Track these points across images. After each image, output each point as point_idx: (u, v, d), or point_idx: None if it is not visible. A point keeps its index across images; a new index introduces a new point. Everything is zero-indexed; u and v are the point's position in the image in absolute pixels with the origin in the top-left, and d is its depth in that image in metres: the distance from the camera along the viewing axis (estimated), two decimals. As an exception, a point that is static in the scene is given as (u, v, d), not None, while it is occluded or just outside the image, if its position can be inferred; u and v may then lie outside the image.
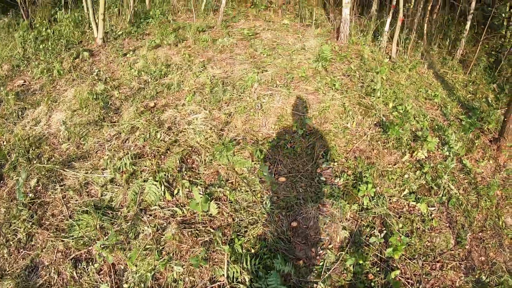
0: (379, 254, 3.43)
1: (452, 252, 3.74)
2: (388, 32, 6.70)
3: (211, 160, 4.12)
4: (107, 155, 4.26)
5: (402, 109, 4.92)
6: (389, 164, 4.21)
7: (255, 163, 4.02)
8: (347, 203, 3.69)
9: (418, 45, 7.00)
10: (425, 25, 7.10)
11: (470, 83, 6.42)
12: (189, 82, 5.40)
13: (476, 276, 3.59)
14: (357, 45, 6.66)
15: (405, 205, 3.91)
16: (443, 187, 4.10)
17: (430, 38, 7.40)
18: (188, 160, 4.19)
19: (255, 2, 8.31)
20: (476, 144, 4.72)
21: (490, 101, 6.03)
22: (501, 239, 3.99)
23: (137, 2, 8.43)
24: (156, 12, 7.83)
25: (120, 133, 4.58)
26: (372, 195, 3.68)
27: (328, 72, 5.63)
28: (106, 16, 7.32)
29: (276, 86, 5.17)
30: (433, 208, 3.95)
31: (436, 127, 4.89)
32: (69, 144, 4.45)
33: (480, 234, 3.98)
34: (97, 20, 6.54)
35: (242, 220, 3.60)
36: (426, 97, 5.59)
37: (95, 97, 5.14)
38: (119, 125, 4.67)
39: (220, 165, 4.07)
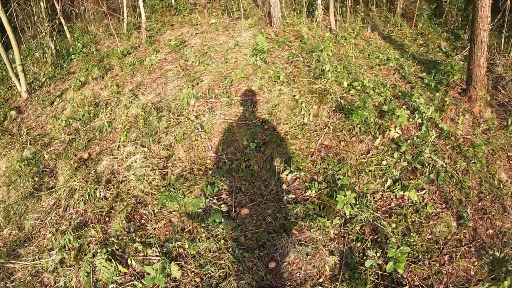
0: (379, 272, 2.72)
1: (457, 236, 3.11)
2: (322, 4, 5.96)
3: (160, 209, 3.29)
4: (50, 231, 3.46)
5: (358, 85, 4.21)
6: (362, 155, 3.50)
7: (209, 200, 3.20)
8: (327, 220, 2.95)
9: (356, 10, 6.30)
10: (358, -14, 6.39)
11: (419, 36, 5.80)
12: (121, 117, 4.52)
13: (490, 257, 2.96)
14: (293, 26, 5.89)
15: (392, 199, 3.22)
16: (427, 163, 3.42)
17: (366, 0, 6.71)
18: (136, 216, 3.36)
19: (179, 8, 7.36)
20: (447, 102, 4.07)
21: (446, 50, 5.43)
22: (502, 201, 3.39)
23: (58, 41, 7.32)
24: (77, 46, 6.78)
25: (59, 200, 3.75)
26: (354, 202, 2.95)
27: (268, 64, 4.84)
28: (29, 65, 6.34)
29: (215, 97, 4.34)
30: (423, 191, 3.28)
31: (400, 94, 4.21)
32: (10, 228, 3.67)
33: (480, 203, 3.36)
34: (16, 73, 5.51)
35: (211, 276, 2.81)
36: (379, 63, 4.90)
37: (26, 163, 4.28)
38: (56, 191, 3.84)
39: (171, 212, 3.24)
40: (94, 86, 5.48)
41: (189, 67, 5.19)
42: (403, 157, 3.48)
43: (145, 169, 3.67)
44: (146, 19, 7.24)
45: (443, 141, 3.74)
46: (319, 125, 3.80)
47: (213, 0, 7.35)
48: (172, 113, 4.25)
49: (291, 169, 3.32)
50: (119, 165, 3.87)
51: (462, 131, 3.88)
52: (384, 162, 3.44)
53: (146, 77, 5.25)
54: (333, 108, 3.97)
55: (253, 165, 3.44)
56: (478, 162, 3.57)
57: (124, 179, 3.71)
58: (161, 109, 4.40)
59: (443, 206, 3.25)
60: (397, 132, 3.57)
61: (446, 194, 3.31)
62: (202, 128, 3.84)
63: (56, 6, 6.95)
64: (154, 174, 3.59)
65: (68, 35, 7.44)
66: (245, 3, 6.76)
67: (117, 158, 3.96)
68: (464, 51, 5.18)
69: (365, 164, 3.41)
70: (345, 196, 2.90)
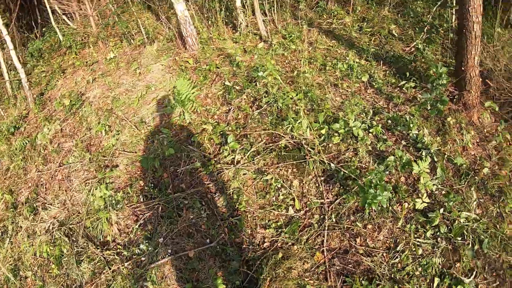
0: None
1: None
2: (241, 5, 4.35)
3: None
4: None
5: (341, 127, 2.84)
6: (390, 251, 2.22)
7: None
8: None
9: (280, 3, 4.78)
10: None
11: (364, 23, 4.54)
12: (26, 257, 2.84)
13: None
14: (212, 41, 4.26)
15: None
16: (465, 230, 2.29)
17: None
18: None
19: (68, 44, 5.06)
20: (450, 122, 2.95)
21: (397, 35, 4.26)
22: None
23: None
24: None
25: None
26: None
27: (200, 114, 3.23)
28: None
29: (143, 198, 2.67)
30: (473, 274, 2.17)
31: (390, 123, 2.97)
32: None
33: None
34: None
35: None
36: (342, 76, 3.56)
37: None
38: None
39: None
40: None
41: (94, 140, 3.39)
42: (438, 234, 2.30)
43: None
44: (34, 67, 5.00)
45: (464, 181, 2.63)
46: (313, 214, 2.41)
47: (106, 26, 5.18)
48: (92, 242, 2.53)
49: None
50: None
51: (477, 160, 2.80)
52: (419, 251, 2.22)
53: (43, 171, 3.36)
54: (322, 177, 2.59)
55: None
56: (509, 201, 2.53)
57: None
58: (75, 236, 2.65)
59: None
60: (425, 202, 2.34)
61: (494, 262, 2.23)
62: (146, 281, 2.20)
63: None
64: None
65: None
66: (144, 20, 4.82)
67: None
68: (422, 35, 4.05)
69: (399, 265, 2.16)
70: None
